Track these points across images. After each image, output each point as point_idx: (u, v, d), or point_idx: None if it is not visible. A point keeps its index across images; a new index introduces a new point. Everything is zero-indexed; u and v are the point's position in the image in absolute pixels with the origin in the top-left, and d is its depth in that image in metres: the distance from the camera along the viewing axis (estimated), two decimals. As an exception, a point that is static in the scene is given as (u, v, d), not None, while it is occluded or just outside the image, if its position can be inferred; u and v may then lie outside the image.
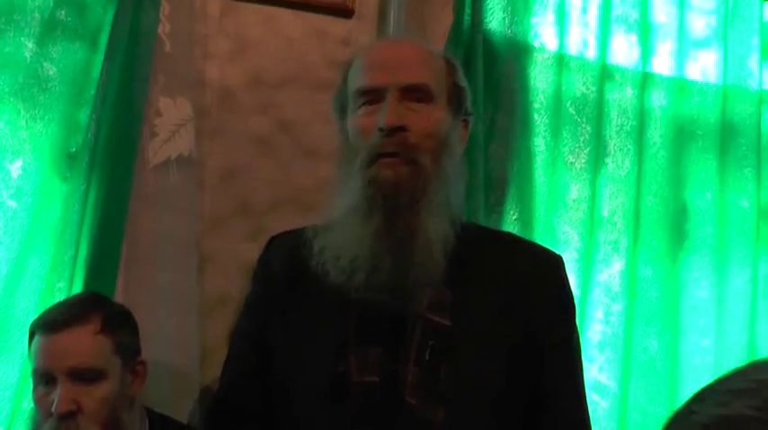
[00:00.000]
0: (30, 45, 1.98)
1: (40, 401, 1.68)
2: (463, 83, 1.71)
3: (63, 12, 2.01)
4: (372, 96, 1.60)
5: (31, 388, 1.72)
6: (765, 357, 0.52)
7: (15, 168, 2.00)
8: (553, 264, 1.72)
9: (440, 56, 1.72)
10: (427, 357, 1.55)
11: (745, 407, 0.45)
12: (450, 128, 1.64)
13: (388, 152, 1.56)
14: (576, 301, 2.18)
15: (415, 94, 1.60)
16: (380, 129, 1.56)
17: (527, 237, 2.15)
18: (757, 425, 0.43)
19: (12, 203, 1.99)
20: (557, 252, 1.81)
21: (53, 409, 1.64)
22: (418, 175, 1.57)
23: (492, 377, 1.57)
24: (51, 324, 1.71)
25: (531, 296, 1.64)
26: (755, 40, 2.56)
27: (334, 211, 1.63)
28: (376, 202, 1.56)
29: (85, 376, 1.67)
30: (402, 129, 1.55)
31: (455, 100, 1.67)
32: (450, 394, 1.54)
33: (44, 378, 1.68)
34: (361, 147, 1.59)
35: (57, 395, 1.65)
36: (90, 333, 1.69)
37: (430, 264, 1.56)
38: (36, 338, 1.71)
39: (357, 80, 1.64)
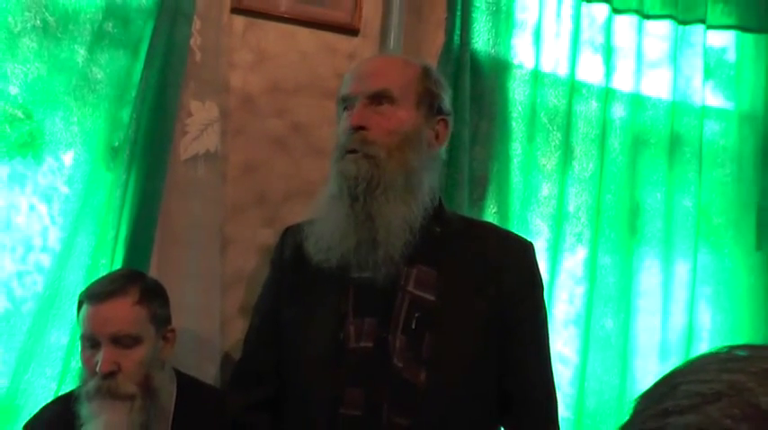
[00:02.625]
0: (81, 52, 1.98)
1: (87, 362, 1.70)
2: (437, 87, 1.72)
3: (110, 24, 2.00)
4: (349, 103, 1.66)
5: (79, 350, 1.74)
6: (715, 350, 0.49)
7: (68, 159, 2.00)
8: (523, 248, 1.74)
9: (415, 64, 1.74)
10: (413, 326, 1.59)
11: (722, 415, 0.42)
12: (418, 125, 1.66)
13: (351, 149, 1.62)
14: (544, 283, 2.23)
15: (379, 98, 1.63)
16: (348, 129, 1.62)
17: (513, 232, 2.07)
18: None
19: (65, 189, 1.99)
20: (528, 239, 1.83)
21: (97, 369, 1.66)
22: (375, 167, 1.60)
23: (468, 345, 1.61)
24: (97, 295, 1.73)
25: (504, 276, 1.65)
26: (700, 63, 2.57)
27: (321, 201, 1.68)
28: (342, 191, 1.61)
29: (125, 341, 1.69)
30: (363, 128, 1.61)
31: (426, 102, 1.68)
32: (431, 359, 1.57)
33: (90, 342, 1.70)
34: (337, 146, 1.67)
35: (100, 357, 1.67)
36: (129, 304, 1.72)
37: (390, 242, 1.59)
38: (84, 307, 1.73)
39: (341, 90, 1.71)
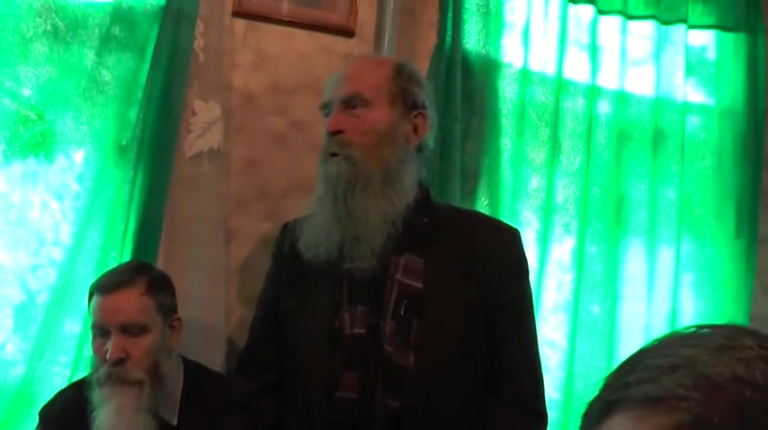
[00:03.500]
0: (90, 55, 1.99)
1: (98, 350, 1.73)
2: (410, 84, 1.70)
3: (117, 28, 2.01)
4: (328, 110, 1.69)
5: (91, 339, 1.76)
6: (682, 329, 0.50)
7: (79, 157, 2.01)
8: (510, 235, 1.75)
9: (388, 63, 1.74)
10: (402, 313, 1.60)
11: (675, 385, 0.43)
12: (393, 123, 1.66)
13: (332, 152, 1.65)
14: (532, 271, 2.20)
15: (353, 102, 1.65)
16: (327, 134, 1.66)
17: (500, 220, 2.11)
18: (688, 403, 0.42)
19: (76, 186, 2.01)
20: (513, 226, 1.83)
21: (108, 357, 1.69)
22: (353, 167, 1.62)
23: (454, 329, 1.61)
24: (106, 286, 1.75)
25: (490, 262, 1.66)
26: (681, 61, 2.57)
27: (311, 202, 1.70)
28: (326, 192, 1.64)
29: (133, 330, 1.71)
30: (340, 132, 1.64)
31: (400, 99, 1.68)
32: (419, 343, 1.59)
33: (100, 331, 1.73)
34: (320, 150, 1.70)
35: (110, 345, 1.69)
36: (137, 294, 1.74)
37: (370, 236, 1.61)
38: (94, 298, 1.75)
39: (322, 98, 1.74)
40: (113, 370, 1.69)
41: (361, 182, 1.62)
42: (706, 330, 0.48)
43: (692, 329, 0.49)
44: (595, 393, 0.51)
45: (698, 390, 0.42)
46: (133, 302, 1.73)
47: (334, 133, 1.64)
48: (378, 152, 1.64)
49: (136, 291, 1.74)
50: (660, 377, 0.45)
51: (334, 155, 1.64)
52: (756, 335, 0.47)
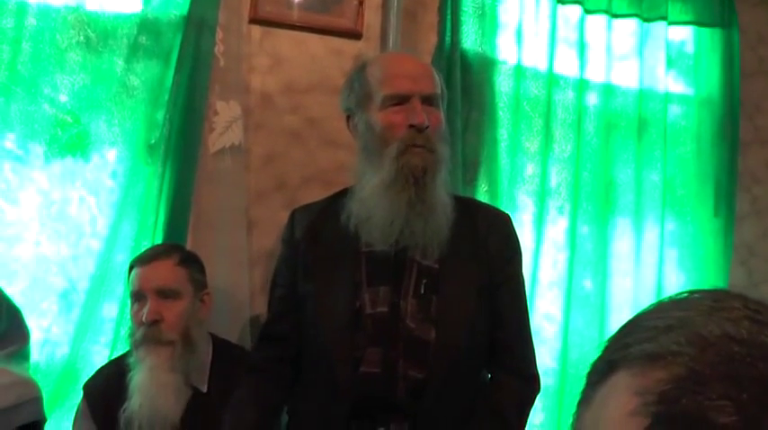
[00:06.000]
0: (120, 63, 2.01)
1: (135, 315, 1.74)
2: (444, 88, 1.72)
3: (144, 37, 2.03)
4: (400, 100, 1.60)
5: (127, 314, 1.78)
6: (675, 295, 0.50)
7: (112, 156, 2.02)
8: (504, 219, 1.75)
9: (434, 68, 1.73)
10: (422, 291, 1.59)
11: (671, 342, 0.44)
12: (444, 123, 1.68)
13: (417, 144, 1.59)
14: (529, 250, 2.22)
15: (430, 100, 1.62)
16: (411, 126, 1.58)
17: (495, 205, 2.11)
18: (682, 358, 0.42)
19: (110, 182, 2.02)
20: (505, 211, 1.83)
21: (143, 319, 1.70)
22: (435, 161, 1.60)
23: (468, 306, 1.61)
24: (144, 258, 1.79)
25: (490, 245, 1.66)
26: (663, 55, 2.54)
27: (365, 188, 1.62)
28: (408, 181, 1.57)
29: (167, 294, 1.74)
30: (427, 127, 1.59)
31: (443, 102, 1.70)
32: (439, 319, 1.58)
33: (137, 296, 1.75)
34: (391, 139, 1.60)
35: (146, 309, 1.71)
36: (171, 264, 1.77)
37: (442, 227, 1.60)
38: (134, 270, 1.77)
39: (385, 85, 1.63)
40: (148, 331, 1.71)
41: (440, 175, 1.61)
42: (697, 295, 0.49)
43: (685, 295, 0.50)
44: (597, 355, 0.52)
45: (691, 347, 0.43)
46: (168, 270, 1.77)
47: (423, 127, 1.59)
48: (443, 149, 1.64)
49: (170, 261, 1.78)
50: (657, 336, 0.46)
51: (418, 146, 1.58)
52: (743, 297, 0.47)
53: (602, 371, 0.49)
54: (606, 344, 0.51)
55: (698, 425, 0.40)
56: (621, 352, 0.48)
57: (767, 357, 0.42)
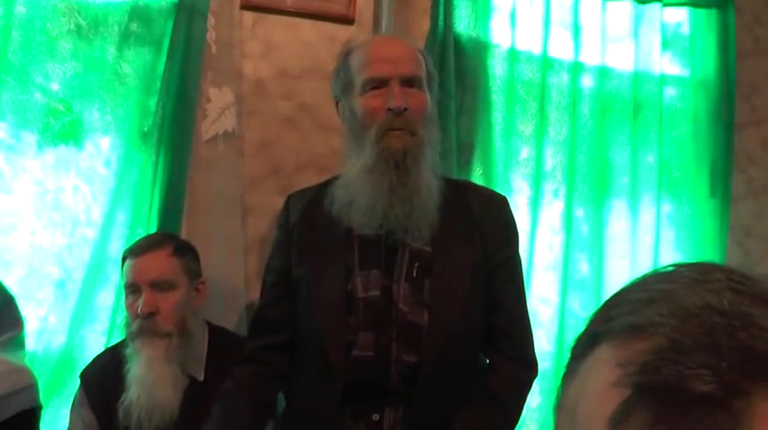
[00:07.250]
0: (111, 50, 1.98)
1: (130, 307, 1.73)
2: (433, 70, 1.70)
3: (135, 24, 2.00)
4: (378, 83, 1.59)
5: (123, 300, 1.76)
6: (660, 268, 0.50)
7: (105, 144, 2.01)
8: (500, 202, 1.73)
9: (419, 50, 1.71)
10: (414, 275, 1.58)
11: (654, 314, 0.44)
12: (431, 105, 1.66)
13: (396, 127, 1.57)
14: (525, 234, 2.19)
15: (410, 82, 1.60)
16: (389, 110, 1.57)
17: (490, 188, 2.06)
18: (664, 329, 0.43)
19: (103, 170, 2.00)
20: (502, 193, 1.82)
21: (139, 311, 1.69)
22: (416, 144, 1.58)
23: (461, 288, 1.60)
24: (137, 249, 1.77)
25: (485, 228, 1.65)
26: (658, 37, 2.51)
27: (348, 173, 1.62)
28: (389, 165, 1.56)
29: (162, 286, 1.72)
30: (405, 109, 1.57)
31: (430, 84, 1.68)
32: (432, 302, 1.57)
33: (132, 288, 1.73)
34: (371, 124, 1.59)
35: (141, 301, 1.70)
36: (165, 255, 1.75)
37: (429, 209, 1.59)
38: (127, 261, 1.75)
39: (364, 70, 1.61)
40: (144, 323, 1.70)
41: (423, 158, 1.59)
42: (683, 268, 0.49)
43: (671, 268, 0.50)
44: (583, 329, 0.52)
45: (673, 318, 0.43)
46: (162, 261, 1.75)
47: (401, 110, 1.57)
48: (427, 131, 1.62)
49: (164, 252, 1.76)
50: (640, 309, 0.46)
51: (396, 129, 1.57)
52: (726, 269, 0.47)
53: (585, 344, 0.49)
54: (591, 318, 0.51)
55: (677, 395, 0.40)
56: (605, 325, 0.48)
57: (747, 327, 0.42)
